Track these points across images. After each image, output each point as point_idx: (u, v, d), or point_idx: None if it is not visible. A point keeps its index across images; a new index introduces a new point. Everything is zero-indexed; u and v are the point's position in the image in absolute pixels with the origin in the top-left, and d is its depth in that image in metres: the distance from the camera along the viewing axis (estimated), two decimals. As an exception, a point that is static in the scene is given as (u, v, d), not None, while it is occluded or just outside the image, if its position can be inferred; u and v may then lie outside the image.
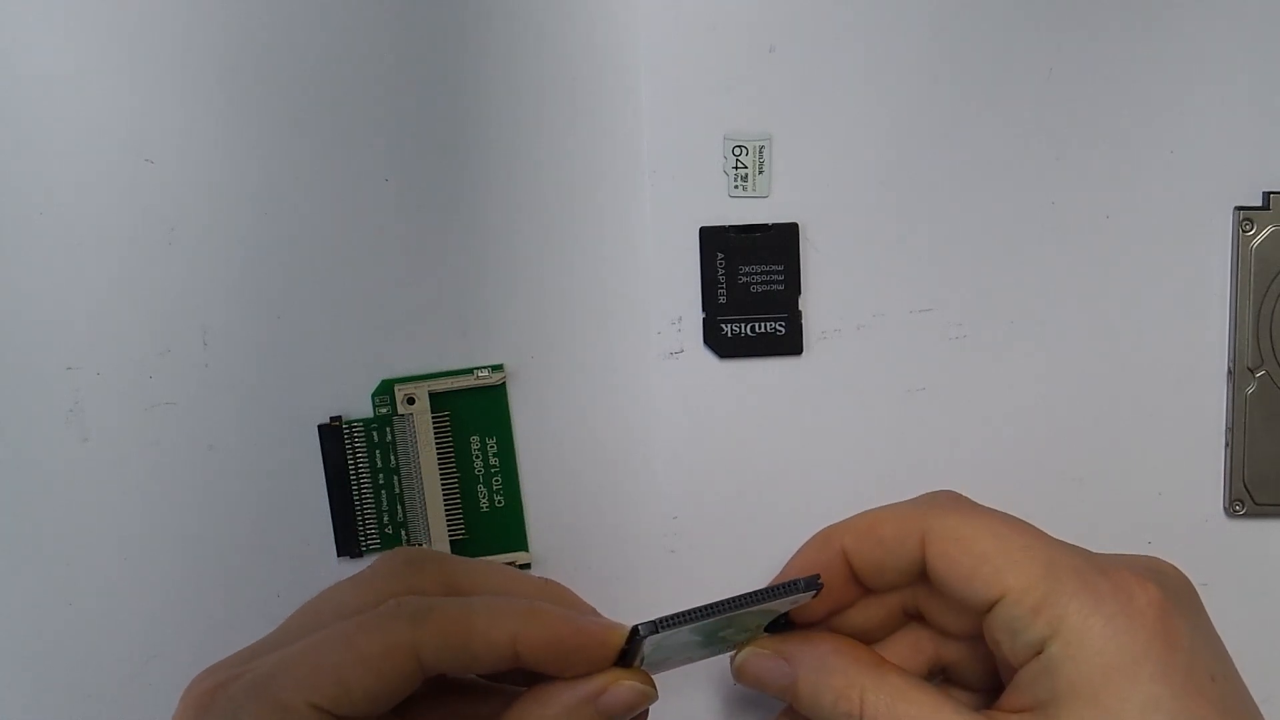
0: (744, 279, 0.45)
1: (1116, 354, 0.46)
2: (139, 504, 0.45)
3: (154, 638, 0.45)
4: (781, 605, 0.39)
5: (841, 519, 0.42)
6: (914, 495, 0.43)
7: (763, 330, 0.46)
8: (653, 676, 0.38)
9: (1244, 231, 0.45)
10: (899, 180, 0.45)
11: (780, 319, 0.46)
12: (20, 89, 0.44)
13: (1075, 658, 0.36)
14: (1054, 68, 0.45)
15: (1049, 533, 0.39)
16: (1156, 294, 0.46)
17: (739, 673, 0.41)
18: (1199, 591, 0.39)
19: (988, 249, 0.46)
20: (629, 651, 0.37)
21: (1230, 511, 0.46)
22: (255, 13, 0.44)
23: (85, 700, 0.45)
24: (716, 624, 0.38)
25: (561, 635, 0.36)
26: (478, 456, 0.46)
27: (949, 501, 0.41)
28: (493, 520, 0.46)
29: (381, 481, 0.45)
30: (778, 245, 0.45)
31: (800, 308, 0.46)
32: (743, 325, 0.46)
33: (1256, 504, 0.46)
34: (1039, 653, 0.37)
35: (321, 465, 0.45)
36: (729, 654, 0.41)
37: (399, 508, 0.46)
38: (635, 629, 0.36)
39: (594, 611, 0.40)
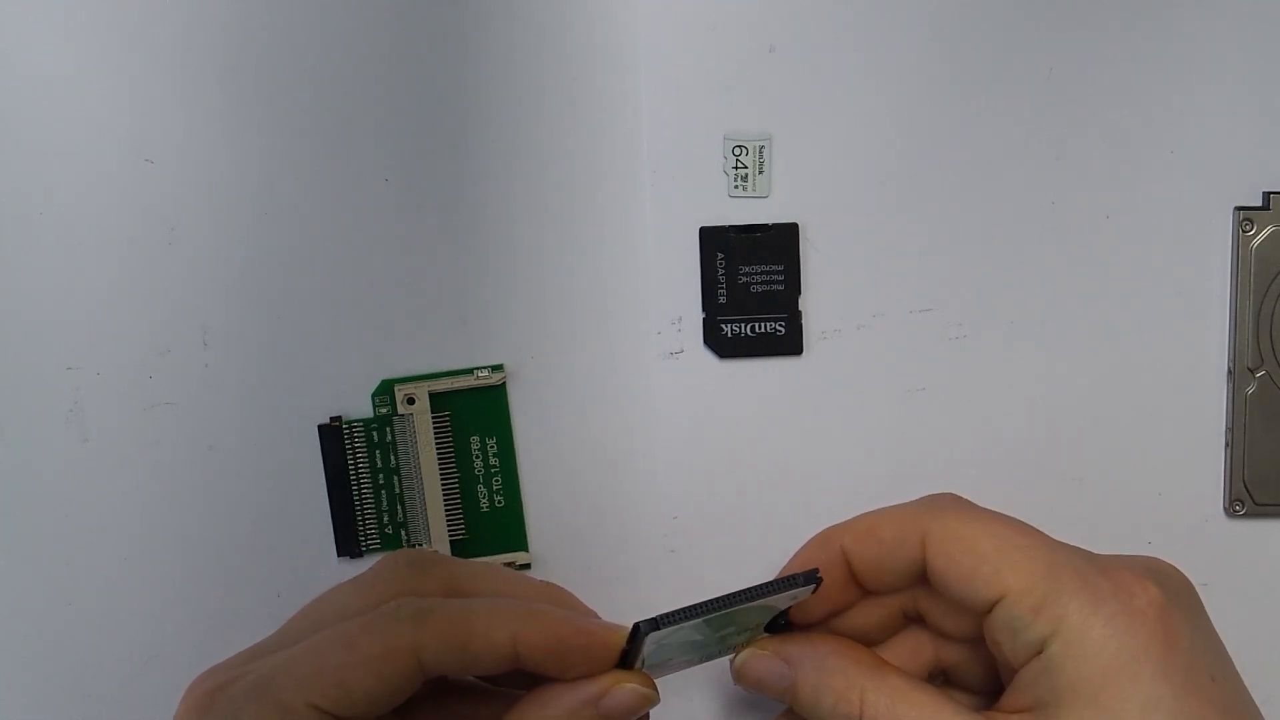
0: (744, 279, 0.45)
1: (1116, 354, 0.46)
2: (139, 504, 0.45)
3: (154, 638, 0.45)
4: (781, 601, 0.39)
5: (841, 519, 0.42)
6: (914, 495, 0.43)
7: (763, 330, 0.46)
8: (654, 680, 0.38)
9: (1244, 231, 0.45)
10: (899, 180, 0.45)
11: (780, 319, 0.46)
12: (20, 89, 0.44)
13: (1075, 657, 0.36)
14: (1054, 68, 0.45)
15: (1049, 533, 0.39)
16: (1156, 294, 0.46)
17: (738, 674, 0.41)
18: (1199, 591, 0.39)
19: (988, 249, 0.46)
20: (630, 653, 0.37)
21: (1230, 511, 0.46)
22: (255, 13, 0.44)
23: (85, 700, 0.45)
24: (717, 621, 0.38)
25: (562, 636, 0.36)
26: (478, 456, 0.46)
27: (949, 503, 0.41)
28: (493, 520, 0.46)
29: (381, 481, 0.45)
30: (778, 245, 0.45)
31: (800, 308, 0.46)
32: (743, 325, 0.46)
33: (1256, 504, 0.46)
34: (1039, 653, 0.37)
35: (321, 465, 0.45)
36: (729, 657, 0.41)
37: (399, 508, 0.46)
38: (636, 626, 0.36)
39: (595, 615, 0.40)
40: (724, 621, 0.38)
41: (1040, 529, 0.39)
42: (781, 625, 0.41)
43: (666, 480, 0.46)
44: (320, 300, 0.45)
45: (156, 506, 0.45)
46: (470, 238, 0.45)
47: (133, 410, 0.45)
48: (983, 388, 0.46)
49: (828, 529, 0.42)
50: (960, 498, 0.42)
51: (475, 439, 0.46)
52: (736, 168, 0.45)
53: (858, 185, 0.45)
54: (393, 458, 0.45)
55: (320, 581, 0.41)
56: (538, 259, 0.45)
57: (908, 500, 0.42)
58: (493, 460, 0.46)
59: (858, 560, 0.41)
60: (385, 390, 0.45)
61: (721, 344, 0.46)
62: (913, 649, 0.42)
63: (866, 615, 0.42)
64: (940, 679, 0.43)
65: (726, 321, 0.46)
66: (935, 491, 0.43)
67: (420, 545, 0.46)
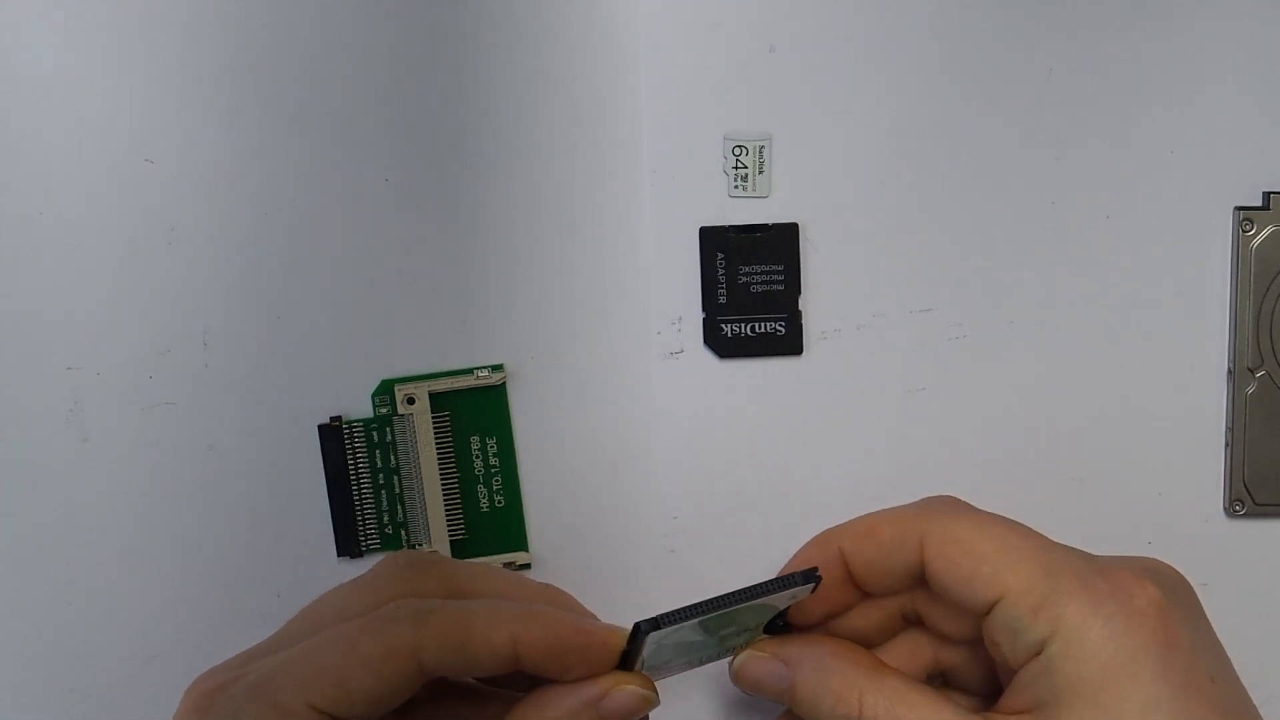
0: (744, 279, 0.45)
1: (1116, 354, 0.46)
2: (139, 504, 0.45)
3: (154, 638, 0.45)
4: (781, 600, 0.39)
5: (841, 519, 0.42)
6: (914, 496, 0.43)
7: (763, 330, 0.46)
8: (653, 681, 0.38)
9: (1244, 231, 0.45)
10: (899, 180, 0.45)
11: (780, 319, 0.46)
12: (20, 89, 0.44)
13: (1075, 658, 0.36)
14: (1054, 68, 0.45)
15: (1049, 534, 0.39)
16: (1156, 294, 0.46)
17: (737, 676, 0.41)
18: (1199, 591, 0.39)
19: (988, 249, 0.46)
20: (630, 654, 0.37)
21: (1230, 511, 0.46)
22: (255, 13, 0.44)
23: (85, 700, 0.46)
24: (716, 621, 0.38)
25: (562, 637, 0.36)
26: (478, 456, 0.46)
27: (947, 505, 0.41)
28: (493, 520, 0.46)
29: (381, 481, 0.46)
30: (778, 245, 0.45)
31: (800, 308, 0.46)
32: (743, 325, 0.46)
33: (1256, 504, 0.46)
34: (1038, 653, 0.37)
35: (321, 465, 0.45)
36: (728, 659, 0.41)
37: (399, 508, 0.46)
38: (637, 626, 0.36)
39: (594, 618, 0.40)
40: (723, 621, 0.38)
41: (1040, 529, 0.39)
42: (780, 627, 0.41)
43: (666, 480, 0.46)
44: (320, 300, 0.45)
45: (156, 506, 0.45)
46: (470, 238, 0.45)
47: (133, 410, 0.45)
48: (983, 388, 0.46)
49: (826, 531, 0.42)
50: (958, 500, 0.42)
51: (475, 439, 0.46)
52: (736, 168, 0.45)
53: (858, 185, 0.45)
54: (393, 458, 0.45)
55: (320, 581, 0.41)
56: (538, 259, 0.45)
57: (907, 500, 0.42)
58: (493, 460, 0.46)
59: (856, 562, 0.41)
60: (385, 390, 0.45)
61: (721, 344, 0.46)
62: (912, 650, 0.42)
63: (865, 617, 0.42)
64: (939, 680, 0.43)
65: (726, 321, 0.46)
66: (935, 492, 0.43)
67: (420, 545, 0.46)
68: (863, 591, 0.42)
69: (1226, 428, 0.46)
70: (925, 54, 0.45)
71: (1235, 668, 0.38)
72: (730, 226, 0.45)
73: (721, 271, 0.45)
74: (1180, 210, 0.46)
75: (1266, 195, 0.45)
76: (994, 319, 0.46)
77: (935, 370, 0.46)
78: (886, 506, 0.42)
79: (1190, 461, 0.46)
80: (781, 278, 0.46)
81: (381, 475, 0.45)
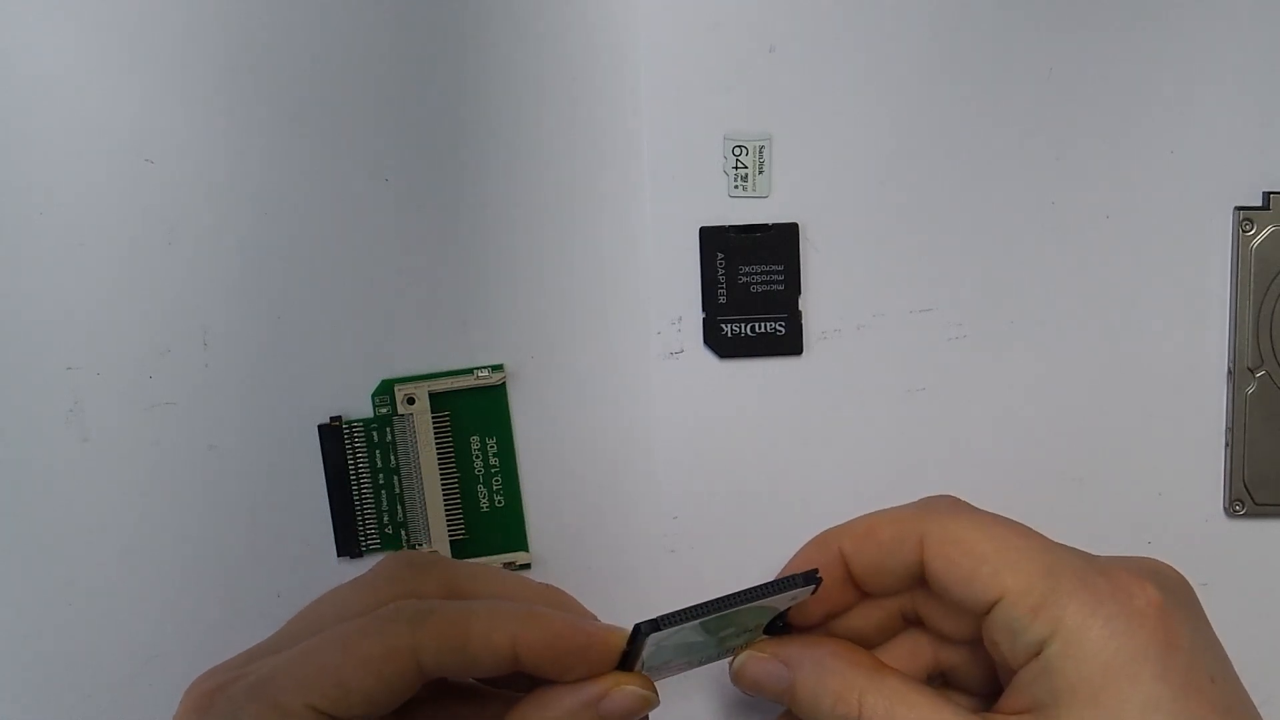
0: (744, 279, 0.45)
1: (1116, 354, 0.46)
2: (139, 504, 0.45)
3: (154, 638, 0.45)
4: (781, 601, 0.39)
5: (841, 519, 0.42)
6: (914, 496, 0.43)
7: (763, 330, 0.46)
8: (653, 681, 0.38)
9: (1244, 231, 0.45)
10: (899, 180, 0.45)
11: (780, 319, 0.46)
12: (20, 89, 0.44)
13: (1074, 658, 0.36)
14: (1054, 68, 0.45)
15: (1049, 533, 0.39)
16: (1156, 294, 0.46)
17: (737, 676, 0.41)
18: (1199, 591, 0.39)
19: (988, 249, 0.46)
20: (629, 654, 0.37)
21: (1230, 511, 0.46)
22: (255, 13, 0.44)
23: (85, 700, 0.46)
24: (716, 622, 0.38)
25: (562, 637, 0.36)
26: (478, 456, 0.46)
27: (947, 505, 0.41)
28: (493, 520, 0.46)
29: (381, 481, 0.46)
30: (778, 245, 0.45)
31: (800, 308, 0.46)
32: (743, 325, 0.46)
33: (1256, 504, 0.46)
34: (1038, 654, 0.37)
35: (321, 465, 0.45)
36: (727, 660, 0.41)
37: (399, 508, 0.46)
38: (637, 627, 0.36)
39: (594, 618, 0.40)
40: (723, 623, 0.38)
41: (1040, 529, 0.39)
42: (780, 627, 0.41)
43: (666, 480, 0.46)
44: (320, 300, 0.45)
45: (156, 506, 0.45)
46: (470, 237, 0.45)
47: (133, 410, 0.45)
48: (983, 388, 0.46)
49: (826, 531, 0.42)
50: (958, 500, 0.42)
51: (475, 439, 0.46)
52: (736, 168, 0.45)
53: (858, 185, 0.45)
54: (393, 458, 0.45)
55: (320, 582, 0.41)
56: (538, 259, 0.45)
57: (907, 501, 0.42)
58: (493, 460, 0.46)
59: (856, 562, 0.41)
60: (385, 390, 0.45)
61: (721, 344, 0.46)
62: (911, 651, 0.42)
63: (865, 617, 0.42)
64: (939, 681, 0.43)
65: (726, 321, 0.46)
66: (935, 492, 0.43)
67: (420, 545, 0.46)
68: (862, 592, 0.42)
69: (1226, 428, 0.46)
70: (925, 54, 0.45)
71: (1235, 668, 0.38)
72: (730, 226, 0.45)
73: (721, 271, 0.45)
74: (1180, 210, 0.45)
75: (1266, 195, 0.45)
76: (994, 319, 0.46)
77: (935, 370, 0.46)
78: (886, 506, 0.42)
79: (1190, 461, 0.46)
80: (781, 278, 0.46)
81: (381, 475, 0.45)
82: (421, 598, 0.37)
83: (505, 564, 0.46)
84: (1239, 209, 0.45)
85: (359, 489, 0.45)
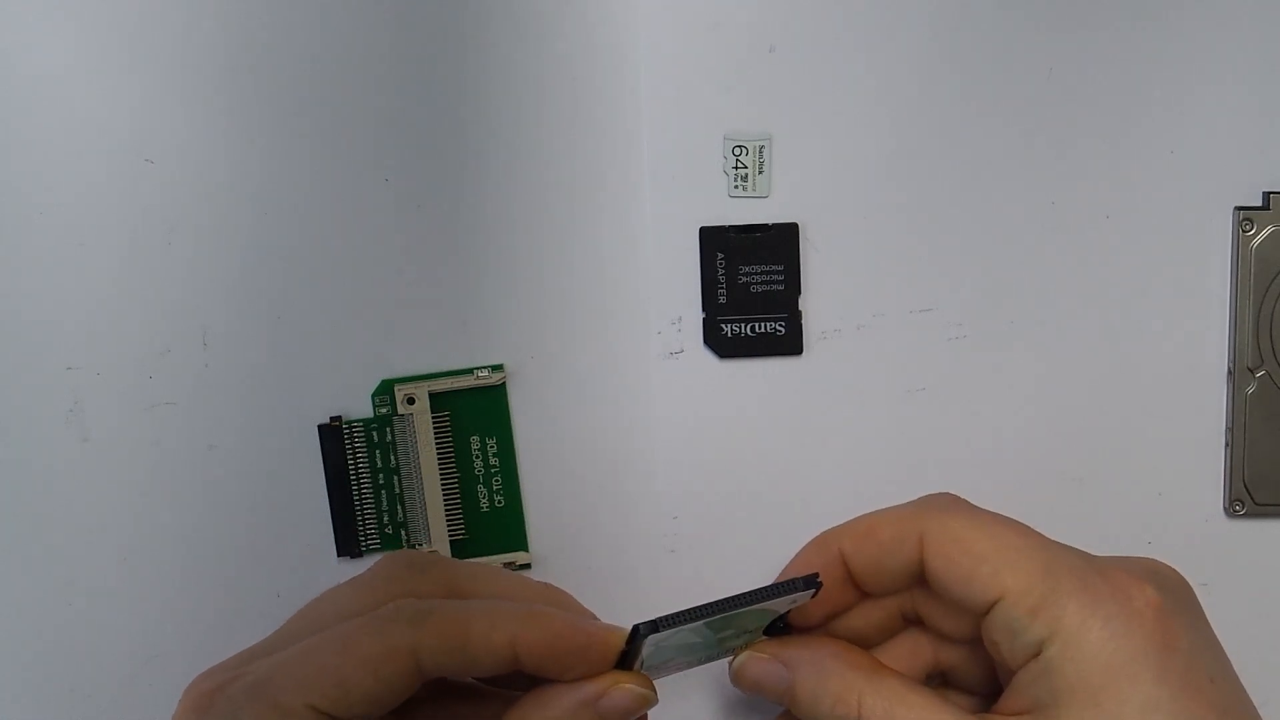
0: (744, 279, 0.45)
1: (1116, 354, 0.46)
2: (139, 504, 0.45)
3: (154, 638, 0.45)
4: (780, 605, 0.39)
5: (841, 519, 0.42)
6: (914, 496, 0.43)
7: (763, 330, 0.46)
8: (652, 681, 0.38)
9: (1244, 231, 0.45)
10: (899, 180, 0.45)
11: (780, 319, 0.46)
12: (20, 89, 0.44)
13: (1074, 659, 0.36)
14: (1054, 68, 0.45)
15: (1049, 533, 0.39)
16: (1156, 294, 0.46)
17: (737, 676, 0.41)
18: (1199, 591, 0.39)
19: (988, 249, 0.46)
20: (629, 654, 0.37)
21: (1230, 511, 0.46)
22: (255, 13, 0.44)
23: (85, 700, 0.46)
24: (716, 624, 0.38)
25: (561, 637, 0.36)
26: (478, 456, 0.46)
27: (947, 504, 0.41)
28: (493, 520, 0.46)
29: (381, 481, 0.46)
30: (778, 245, 0.45)
31: (800, 308, 0.46)
32: (743, 325, 0.46)
33: (1256, 504, 0.46)
34: (1037, 654, 0.37)
35: (321, 465, 0.45)
36: (727, 659, 0.41)
37: (399, 508, 0.46)
38: (636, 628, 0.36)
39: (594, 618, 0.40)
40: (723, 624, 0.38)
41: (1040, 529, 0.39)
42: (780, 628, 0.41)
43: (666, 480, 0.46)
44: (320, 300, 0.45)
45: (156, 506, 0.45)
46: (470, 237, 0.45)
47: (133, 410, 0.45)
48: (983, 388, 0.46)
49: (825, 531, 0.42)
50: (958, 498, 0.42)
51: (475, 439, 0.46)
52: (736, 168, 0.45)
53: (858, 185, 0.45)
54: (393, 458, 0.45)
55: (320, 581, 0.41)
56: (538, 259, 0.45)
57: (907, 500, 0.42)
58: (493, 460, 0.46)
59: (856, 562, 0.41)
60: (385, 390, 0.45)
61: (721, 344, 0.46)
62: (911, 651, 0.42)
63: (865, 617, 0.42)
64: (939, 681, 0.43)
65: (726, 321, 0.46)
66: (934, 492, 0.43)
67: (420, 545, 0.46)
68: (862, 592, 0.42)
69: (1226, 428, 0.46)
70: (925, 54, 0.45)
71: (1235, 668, 0.38)
72: (730, 226, 0.45)
73: (721, 271, 0.45)
74: (1180, 210, 0.45)
75: (1266, 195, 0.45)
76: (994, 319, 0.46)
77: (935, 370, 0.46)
78: (886, 506, 0.42)
79: (1190, 461, 0.46)
80: (781, 278, 0.46)
81: (381, 475, 0.45)
82: (421, 597, 0.37)
83: (505, 564, 0.46)
84: (1239, 209, 0.45)
85: (359, 489, 0.45)
